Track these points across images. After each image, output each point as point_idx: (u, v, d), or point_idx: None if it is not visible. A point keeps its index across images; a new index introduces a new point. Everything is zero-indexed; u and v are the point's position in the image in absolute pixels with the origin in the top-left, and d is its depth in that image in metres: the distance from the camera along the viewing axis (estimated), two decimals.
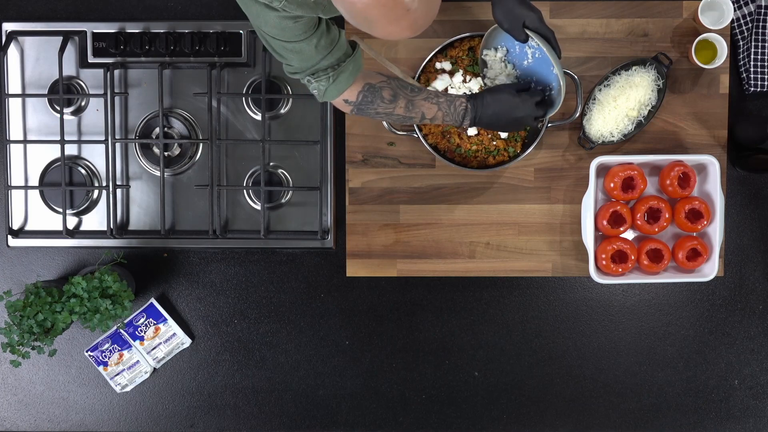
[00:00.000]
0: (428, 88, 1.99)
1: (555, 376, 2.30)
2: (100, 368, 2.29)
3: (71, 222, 2.30)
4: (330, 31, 1.80)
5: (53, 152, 2.30)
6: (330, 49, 1.80)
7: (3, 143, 2.30)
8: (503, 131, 2.08)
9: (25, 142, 2.27)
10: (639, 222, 2.18)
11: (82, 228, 2.30)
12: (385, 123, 2.19)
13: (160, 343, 2.29)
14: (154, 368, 2.31)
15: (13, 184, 2.29)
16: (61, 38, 2.26)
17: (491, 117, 1.98)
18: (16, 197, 2.30)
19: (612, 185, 2.17)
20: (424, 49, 2.23)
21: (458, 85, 2.16)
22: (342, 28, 1.89)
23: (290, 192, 2.28)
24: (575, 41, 2.25)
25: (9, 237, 2.28)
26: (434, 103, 1.94)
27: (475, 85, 2.16)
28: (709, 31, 2.19)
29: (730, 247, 2.28)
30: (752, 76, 2.24)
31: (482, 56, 2.11)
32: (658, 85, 2.20)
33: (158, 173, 2.28)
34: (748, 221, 2.28)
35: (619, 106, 2.19)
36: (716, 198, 2.17)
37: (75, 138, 2.29)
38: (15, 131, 2.30)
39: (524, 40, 1.95)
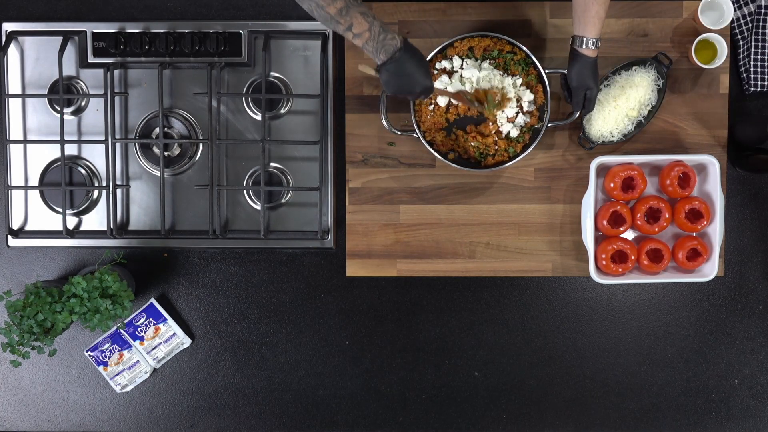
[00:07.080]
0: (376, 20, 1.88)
1: (555, 376, 2.30)
2: (100, 368, 2.29)
3: (71, 222, 2.30)
4: None
5: (53, 152, 2.30)
6: None
7: (3, 143, 2.30)
8: (396, 88, 1.94)
9: (25, 142, 2.27)
10: (639, 222, 2.18)
11: (82, 228, 2.30)
12: (384, 123, 2.19)
13: (160, 343, 2.29)
14: (154, 368, 2.31)
15: (13, 184, 2.29)
16: (61, 38, 2.26)
17: (400, 68, 1.89)
18: (16, 197, 2.29)
19: (612, 185, 2.17)
20: (424, 49, 2.22)
21: (457, 78, 2.16)
22: None
23: (290, 192, 2.28)
24: None
25: (9, 237, 2.28)
26: (368, 21, 1.85)
27: (469, 73, 2.15)
28: (709, 31, 2.19)
29: (730, 247, 2.28)
30: (752, 76, 2.24)
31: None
32: (658, 85, 2.20)
33: (158, 173, 2.27)
34: (748, 221, 2.28)
35: (619, 106, 2.19)
36: (716, 198, 2.17)
37: (75, 138, 2.29)
38: (15, 131, 2.30)
39: (578, 103, 2.13)
